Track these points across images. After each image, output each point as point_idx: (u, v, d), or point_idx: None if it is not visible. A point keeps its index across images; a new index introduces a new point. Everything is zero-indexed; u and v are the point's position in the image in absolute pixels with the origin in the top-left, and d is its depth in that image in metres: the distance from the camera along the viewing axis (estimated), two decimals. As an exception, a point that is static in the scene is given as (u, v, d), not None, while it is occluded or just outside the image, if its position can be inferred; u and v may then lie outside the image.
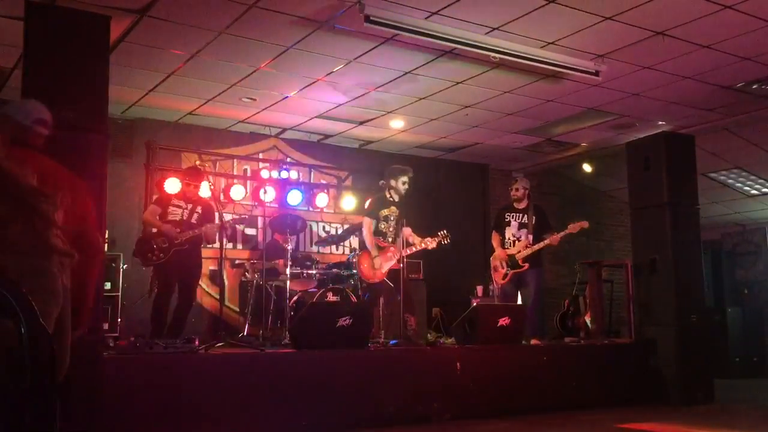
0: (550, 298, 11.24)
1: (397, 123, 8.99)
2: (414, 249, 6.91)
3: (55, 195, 1.20)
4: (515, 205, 7.59)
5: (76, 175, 3.47)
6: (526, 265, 7.27)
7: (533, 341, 6.98)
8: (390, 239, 6.89)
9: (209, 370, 4.94)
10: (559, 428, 5.55)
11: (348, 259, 7.98)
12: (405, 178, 6.93)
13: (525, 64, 6.60)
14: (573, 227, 7.30)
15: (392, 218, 6.91)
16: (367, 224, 6.90)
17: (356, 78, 7.31)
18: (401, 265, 6.77)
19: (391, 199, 6.93)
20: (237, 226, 7.12)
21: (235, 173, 9.23)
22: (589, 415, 6.06)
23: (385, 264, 6.77)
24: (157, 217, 6.66)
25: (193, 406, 4.74)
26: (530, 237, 7.35)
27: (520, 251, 7.32)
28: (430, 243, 6.87)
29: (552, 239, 7.24)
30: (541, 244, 7.27)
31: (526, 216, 7.46)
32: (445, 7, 5.71)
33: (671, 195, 7.13)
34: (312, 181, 9.75)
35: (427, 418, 5.61)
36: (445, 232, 6.94)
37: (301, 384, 5.17)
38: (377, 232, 6.90)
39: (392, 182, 6.94)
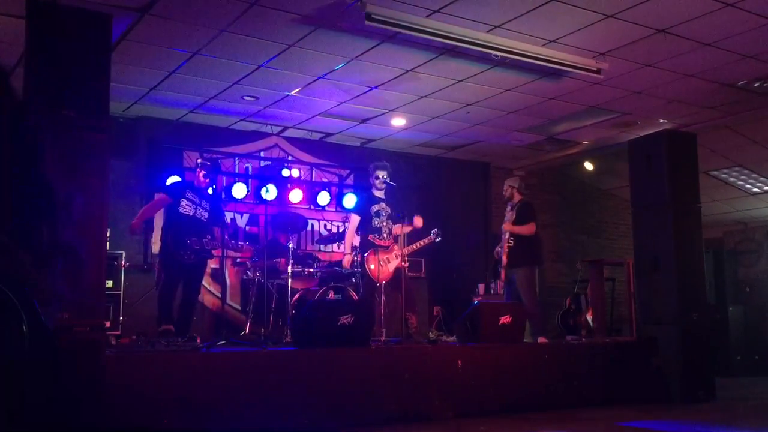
0: (551, 296, 11.26)
1: (398, 121, 8.99)
2: (413, 248, 7.02)
3: None
4: (508, 202, 7.63)
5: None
6: (504, 260, 7.32)
7: (540, 339, 6.98)
8: (385, 235, 6.95)
9: (211, 369, 4.94)
10: (561, 426, 5.55)
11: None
12: (383, 173, 7.04)
13: (526, 62, 6.60)
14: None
15: (383, 214, 6.99)
16: (352, 221, 7.15)
17: (357, 76, 7.31)
18: (403, 263, 6.83)
19: (377, 195, 7.04)
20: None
21: (236, 171, 9.24)
22: (590, 413, 6.06)
23: (392, 262, 6.83)
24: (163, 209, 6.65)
25: (194, 404, 4.74)
26: (507, 235, 7.40)
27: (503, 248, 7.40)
28: (417, 245, 7.04)
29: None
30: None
31: (512, 213, 7.51)
32: (446, 5, 5.70)
33: (673, 193, 7.13)
34: (313, 180, 9.76)
35: (428, 417, 5.61)
36: (437, 230, 7.03)
37: (302, 382, 5.17)
38: (372, 229, 6.94)
39: (372, 178, 7.14)
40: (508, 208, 7.51)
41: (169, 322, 6.34)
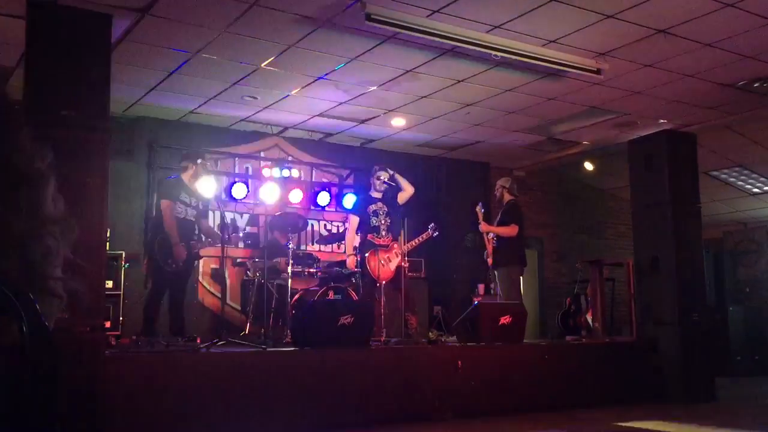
0: (551, 296, 11.27)
1: (398, 121, 8.99)
2: (412, 244, 7.07)
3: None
4: (498, 202, 7.89)
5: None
6: (489, 260, 7.58)
7: None
8: (383, 233, 6.97)
9: (211, 369, 4.95)
10: (561, 426, 5.55)
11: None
12: (385, 175, 7.10)
13: (526, 62, 6.59)
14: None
15: (381, 213, 7.03)
16: (351, 222, 7.22)
17: (357, 76, 7.31)
18: (404, 263, 6.84)
19: (375, 196, 7.08)
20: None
21: (236, 172, 9.23)
22: (590, 413, 6.06)
23: (392, 261, 6.84)
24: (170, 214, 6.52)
25: (194, 405, 4.74)
26: (490, 236, 7.60)
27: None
28: (416, 242, 7.08)
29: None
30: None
31: (500, 214, 7.70)
32: (446, 5, 5.70)
33: (673, 193, 7.13)
34: (313, 180, 9.76)
35: (428, 417, 5.61)
36: (433, 225, 7.08)
37: (302, 382, 5.17)
38: (371, 229, 6.97)
39: (372, 180, 7.22)
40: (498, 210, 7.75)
41: (153, 333, 6.29)
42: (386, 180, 7.11)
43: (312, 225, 9.54)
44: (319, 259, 8.06)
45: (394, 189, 7.22)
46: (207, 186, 6.99)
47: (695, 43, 6.44)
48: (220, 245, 6.42)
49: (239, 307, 8.66)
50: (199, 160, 6.93)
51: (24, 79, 4.47)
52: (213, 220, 8.44)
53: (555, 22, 6.04)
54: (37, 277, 0.98)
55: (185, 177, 6.73)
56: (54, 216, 1.01)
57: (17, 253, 0.95)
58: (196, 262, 6.65)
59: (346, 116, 8.71)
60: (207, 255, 8.61)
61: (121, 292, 7.12)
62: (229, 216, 8.57)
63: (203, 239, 6.72)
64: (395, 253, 6.90)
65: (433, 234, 7.10)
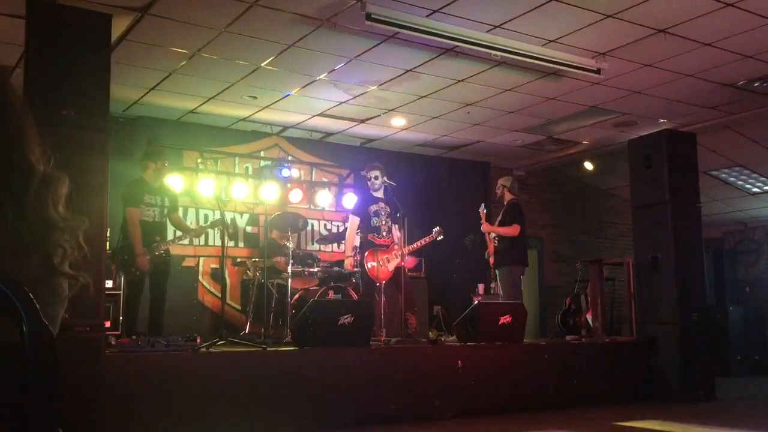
0: (551, 296, 11.27)
1: (398, 121, 8.99)
2: (414, 246, 7.03)
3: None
4: (499, 201, 7.90)
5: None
6: (491, 260, 7.58)
7: None
8: (384, 233, 6.95)
9: (211, 369, 4.95)
10: (561, 426, 5.54)
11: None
12: (376, 173, 7.07)
13: (526, 62, 6.59)
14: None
15: (382, 213, 7.00)
16: (351, 222, 7.17)
17: (357, 76, 7.31)
18: (403, 263, 6.83)
19: (376, 195, 7.07)
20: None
21: (236, 171, 9.23)
22: (590, 412, 6.06)
23: (392, 261, 6.82)
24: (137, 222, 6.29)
25: (194, 405, 4.74)
26: (492, 236, 7.61)
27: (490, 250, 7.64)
28: (418, 244, 7.06)
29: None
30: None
31: (501, 214, 7.68)
32: (446, 5, 5.70)
33: (672, 193, 7.13)
34: (313, 179, 9.76)
35: (428, 417, 5.61)
36: (438, 229, 7.04)
37: (302, 382, 5.17)
38: (371, 229, 6.95)
39: (367, 181, 7.17)
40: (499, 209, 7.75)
41: (135, 332, 6.22)
42: (381, 178, 7.06)
43: (312, 225, 9.54)
44: (319, 259, 8.06)
45: (394, 187, 7.19)
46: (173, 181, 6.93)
47: (695, 42, 6.44)
48: (190, 238, 6.33)
49: (239, 307, 8.67)
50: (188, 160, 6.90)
51: (24, 79, 4.47)
52: (212, 216, 8.46)
53: (555, 22, 6.04)
54: (52, 274, 0.99)
55: (147, 176, 6.54)
56: (65, 214, 1.01)
57: (36, 252, 0.96)
58: (166, 256, 6.50)
59: (345, 116, 8.71)
60: (207, 255, 8.66)
61: (121, 292, 7.12)
62: (229, 215, 8.58)
63: (167, 239, 6.58)
64: (395, 254, 6.88)
65: (437, 238, 7.05)
